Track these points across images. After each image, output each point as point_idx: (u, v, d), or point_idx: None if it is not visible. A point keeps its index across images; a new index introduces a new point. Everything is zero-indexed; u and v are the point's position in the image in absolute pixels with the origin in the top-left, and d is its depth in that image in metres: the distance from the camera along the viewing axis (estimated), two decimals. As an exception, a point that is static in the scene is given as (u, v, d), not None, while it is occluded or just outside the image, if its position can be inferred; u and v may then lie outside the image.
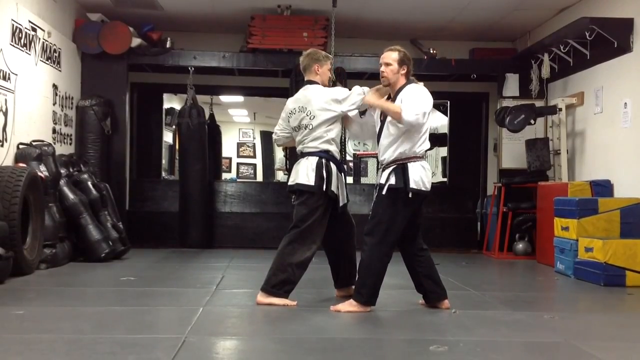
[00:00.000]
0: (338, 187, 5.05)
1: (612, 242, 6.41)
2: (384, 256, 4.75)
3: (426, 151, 4.86)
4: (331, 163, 5.02)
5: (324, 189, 4.96)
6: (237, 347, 3.95)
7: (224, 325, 4.43)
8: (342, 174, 5.17)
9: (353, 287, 5.22)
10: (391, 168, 4.74)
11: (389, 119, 4.77)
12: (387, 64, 4.85)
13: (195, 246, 9.10)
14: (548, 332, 4.42)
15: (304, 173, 5.01)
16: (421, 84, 4.94)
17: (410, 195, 4.68)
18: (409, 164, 4.71)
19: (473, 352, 3.75)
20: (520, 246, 8.91)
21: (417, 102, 4.66)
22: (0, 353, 3.52)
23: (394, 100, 4.81)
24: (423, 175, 4.73)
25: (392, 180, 4.70)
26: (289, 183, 5.21)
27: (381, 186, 4.76)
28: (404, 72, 4.84)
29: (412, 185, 4.68)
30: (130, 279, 6.21)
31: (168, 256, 8.34)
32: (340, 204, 5.11)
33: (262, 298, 4.97)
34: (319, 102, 5.04)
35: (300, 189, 5.03)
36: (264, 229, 9.51)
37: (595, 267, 6.45)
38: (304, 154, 5.10)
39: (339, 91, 5.14)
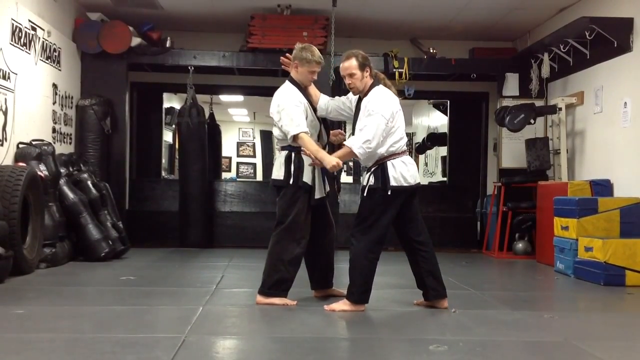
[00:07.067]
0: (314, 179, 4.99)
1: (611, 241, 6.41)
2: (370, 254, 4.77)
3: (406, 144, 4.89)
4: (303, 156, 4.93)
5: (296, 181, 4.92)
6: (236, 346, 3.95)
7: (223, 324, 4.43)
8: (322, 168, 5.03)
9: (329, 289, 5.29)
10: (372, 169, 4.81)
11: (357, 126, 4.81)
12: (351, 75, 4.84)
13: (195, 245, 9.11)
14: (548, 332, 4.42)
15: (277, 168, 5.04)
16: (384, 77, 4.99)
17: (389, 193, 4.71)
18: (387, 162, 4.75)
19: (473, 351, 3.75)
20: (520, 246, 8.91)
21: (363, 129, 4.68)
22: (0, 352, 3.52)
23: (358, 107, 4.87)
24: (404, 170, 4.76)
25: (372, 181, 4.78)
26: None
27: (363, 188, 4.85)
28: (367, 73, 4.86)
29: (392, 182, 4.73)
30: (130, 279, 6.21)
31: (168, 256, 8.34)
32: (317, 196, 5.03)
33: (261, 298, 4.97)
34: (273, 103, 5.03)
35: (274, 185, 5.06)
36: (263, 228, 9.46)
37: (595, 267, 6.45)
38: (280, 149, 5.11)
39: (285, 105, 4.92)
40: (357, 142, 4.69)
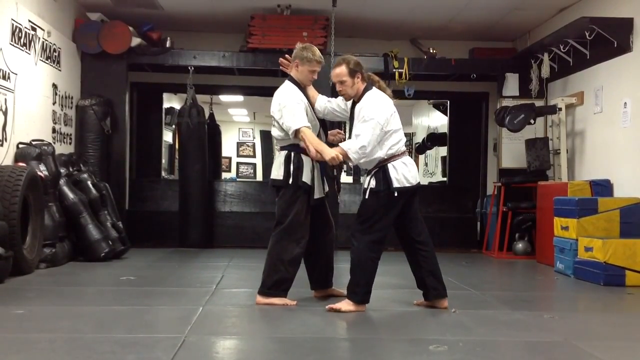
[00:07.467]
0: (313, 179, 5.01)
1: (611, 241, 6.41)
2: (372, 253, 4.77)
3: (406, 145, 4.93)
4: (302, 156, 4.96)
5: (295, 181, 4.92)
6: (236, 346, 3.95)
7: (223, 324, 4.43)
8: (320, 166, 5.06)
9: (329, 289, 5.29)
10: (373, 171, 4.81)
11: (353, 132, 4.82)
12: (341, 82, 4.86)
13: (195, 246, 9.10)
14: (548, 332, 4.42)
15: (276, 168, 5.05)
16: (379, 80, 4.98)
17: (395, 194, 4.72)
18: (388, 164, 4.76)
19: (473, 351, 3.75)
20: (520, 246, 8.91)
21: (359, 135, 4.68)
22: (0, 352, 3.52)
23: (352, 111, 4.88)
24: (405, 171, 4.78)
25: (373, 184, 4.78)
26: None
27: (364, 190, 4.84)
28: (358, 79, 4.85)
29: (395, 184, 4.73)
30: (130, 279, 6.21)
31: (168, 256, 8.34)
32: (317, 196, 5.05)
33: (261, 299, 4.97)
34: (274, 102, 5.04)
35: (273, 185, 5.07)
36: (263, 229, 9.47)
37: (595, 267, 6.45)
38: (280, 149, 5.12)
39: (286, 102, 4.94)
40: (353, 147, 4.70)
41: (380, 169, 4.77)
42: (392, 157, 4.77)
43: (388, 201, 4.75)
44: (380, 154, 4.75)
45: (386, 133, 4.74)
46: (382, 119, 4.71)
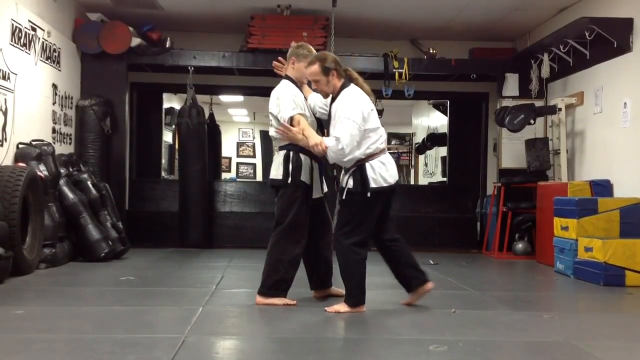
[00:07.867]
0: (311, 178, 5.01)
1: (611, 242, 6.41)
2: (356, 255, 4.74)
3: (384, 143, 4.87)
4: (301, 155, 4.96)
5: (294, 181, 4.93)
6: (236, 346, 3.95)
7: (223, 325, 4.43)
8: (319, 165, 5.08)
9: (329, 289, 5.27)
10: (351, 170, 4.76)
11: (331, 133, 4.81)
12: (315, 81, 4.83)
13: (195, 246, 9.11)
14: (547, 332, 4.42)
15: (275, 168, 5.05)
16: (357, 77, 4.95)
17: (369, 195, 4.69)
18: (366, 164, 4.72)
19: (472, 352, 3.75)
20: (519, 246, 8.91)
21: (339, 138, 4.64)
22: (0, 352, 3.52)
23: (332, 109, 4.86)
24: (383, 171, 4.73)
25: (350, 184, 4.74)
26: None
27: (342, 190, 4.81)
28: (333, 76, 4.80)
29: (372, 184, 4.70)
30: (129, 279, 6.21)
31: (168, 256, 8.34)
32: (315, 196, 5.06)
33: (260, 299, 4.97)
34: (272, 98, 5.07)
35: (272, 184, 5.08)
36: (263, 229, 9.45)
37: (594, 267, 6.45)
38: (279, 149, 5.13)
39: (283, 97, 4.98)
40: (332, 147, 4.68)
41: (358, 169, 4.73)
42: (370, 156, 4.73)
43: (366, 202, 4.71)
44: (358, 153, 4.70)
45: (364, 132, 4.71)
46: (358, 119, 4.66)
